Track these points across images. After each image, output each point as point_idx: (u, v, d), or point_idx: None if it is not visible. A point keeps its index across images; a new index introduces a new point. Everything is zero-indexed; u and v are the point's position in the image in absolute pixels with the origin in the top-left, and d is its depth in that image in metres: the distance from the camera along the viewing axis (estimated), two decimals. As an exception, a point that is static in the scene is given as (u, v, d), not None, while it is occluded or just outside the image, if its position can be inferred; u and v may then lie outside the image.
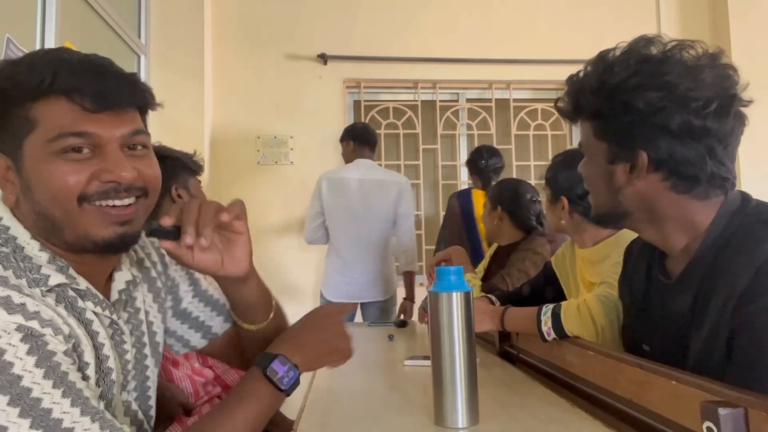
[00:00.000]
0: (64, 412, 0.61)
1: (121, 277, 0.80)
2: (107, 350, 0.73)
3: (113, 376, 0.74)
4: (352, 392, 1.14)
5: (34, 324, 0.62)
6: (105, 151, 0.69)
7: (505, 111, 3.72)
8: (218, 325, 0.95)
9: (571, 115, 0.96)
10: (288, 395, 0.76)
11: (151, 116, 0.81)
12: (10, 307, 0.61)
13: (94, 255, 0.73)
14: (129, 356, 0.79)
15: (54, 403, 0.60)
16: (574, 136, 3.79)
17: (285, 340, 0.82)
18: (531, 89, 3.79)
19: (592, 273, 1.38)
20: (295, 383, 0.76)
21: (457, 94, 3.76)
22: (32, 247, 0.70)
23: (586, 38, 3.64)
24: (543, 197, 1.77)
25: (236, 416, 0.72)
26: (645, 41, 0.87)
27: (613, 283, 1.18)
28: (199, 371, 1.53)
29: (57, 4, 2.01)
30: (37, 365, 0.61)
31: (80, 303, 0.72)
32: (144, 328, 0.84)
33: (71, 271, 0.72)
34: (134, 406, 0.80)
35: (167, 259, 0.92)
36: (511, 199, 2.14)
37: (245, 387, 0.75)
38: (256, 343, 0.88)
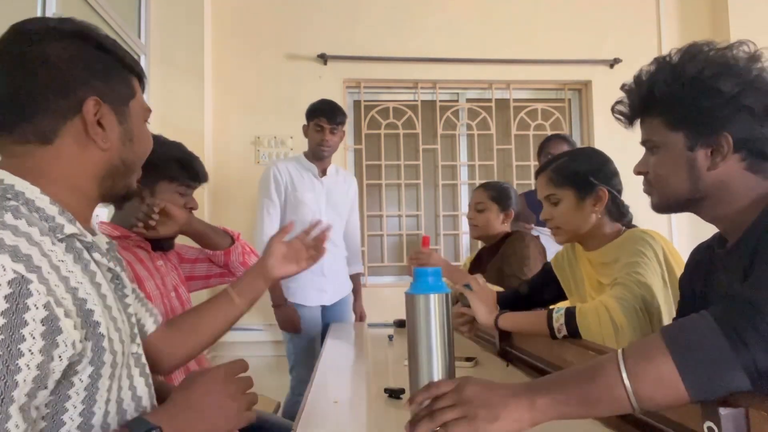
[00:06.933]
0: None
1: (102, 238, 0.86)
2: (110, 301, 0.76)
3: (119, 324, 0.76)
4: (351, 392, 1.14)
5: (20, 267, 0.61)
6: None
7: (505, 111, 3.71)
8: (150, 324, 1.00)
9: (636, 112, 1.00)
10: None
11: (152, 116, 0.94)
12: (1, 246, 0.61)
13: (106, 202, 0.90)
14: (131, 309, 0.84)
15: None
16: (573, 136, 3.79)
17: (169, 408, 0.78)
18: (531, 89, 3.79)
19: (603, 274, 1.36)
20: None
21: (457, 94, 3.76)
22: (42, 200, 0.72)
23: (586, 38, 3.64)
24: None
25: None
26: (701, 44, 0.92)
27: (628, 284, 1.18)
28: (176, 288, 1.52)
29: (57, 4, 2.01)
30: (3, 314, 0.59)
31: (86, 255, 0.75)
32: (135, 284, 0.91)
33: (78, 225, 0.75)
34: (143, 359, 0.84)
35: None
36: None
37: None
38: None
